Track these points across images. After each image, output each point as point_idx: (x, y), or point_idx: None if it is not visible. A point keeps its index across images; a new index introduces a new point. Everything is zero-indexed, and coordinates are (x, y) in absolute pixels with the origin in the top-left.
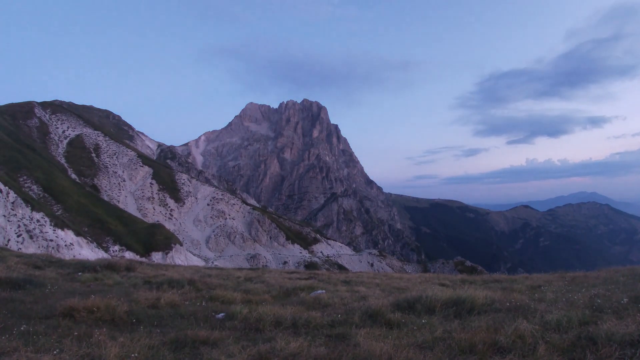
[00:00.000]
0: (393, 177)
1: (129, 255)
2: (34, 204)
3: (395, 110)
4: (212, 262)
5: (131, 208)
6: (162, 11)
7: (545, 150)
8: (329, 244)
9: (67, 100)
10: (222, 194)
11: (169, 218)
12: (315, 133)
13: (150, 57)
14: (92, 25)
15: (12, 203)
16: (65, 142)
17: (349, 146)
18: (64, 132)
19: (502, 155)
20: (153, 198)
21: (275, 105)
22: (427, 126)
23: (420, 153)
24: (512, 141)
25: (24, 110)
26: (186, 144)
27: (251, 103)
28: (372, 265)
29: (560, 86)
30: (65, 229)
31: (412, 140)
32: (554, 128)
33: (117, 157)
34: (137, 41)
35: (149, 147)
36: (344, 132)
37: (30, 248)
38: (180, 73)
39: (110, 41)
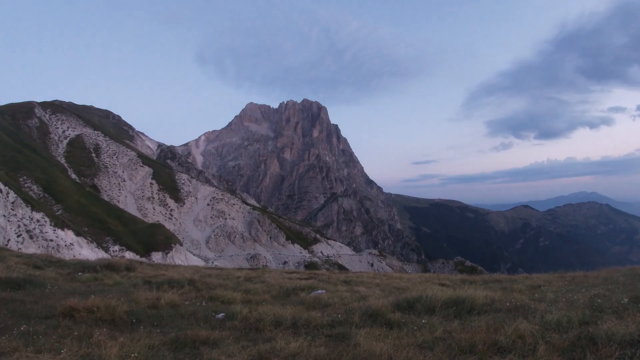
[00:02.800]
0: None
1: (129, 255)
2: (34, 204)
3: (429, 100)
4: (212, 262)
5: (131, 208)
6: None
7: (574, 146)
8: (329, 244)
9: (67, 100)
10: (222, 194)
11: (169, 218)
12: (315, 133)
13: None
14: (91, 24)
15: (12, 203)
16: (65, 142)
17: (349, 146)
18: (64, 132)
19: (531, 149)
20: (153, 198)
21: (275, 105)
22: (451, 120)
23: (435, 150)
24: (547, 134)
25: (24, 110)
26: (186, 144)
27: (251, 103)
28: (372, 265)
29: (628, 65)
30: (65, 229)
31: (430, 135)
32: (600, 118)
33: (117, 157)
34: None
35: (149, 147)
36: (345, 130)
37: (30, 248)
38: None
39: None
